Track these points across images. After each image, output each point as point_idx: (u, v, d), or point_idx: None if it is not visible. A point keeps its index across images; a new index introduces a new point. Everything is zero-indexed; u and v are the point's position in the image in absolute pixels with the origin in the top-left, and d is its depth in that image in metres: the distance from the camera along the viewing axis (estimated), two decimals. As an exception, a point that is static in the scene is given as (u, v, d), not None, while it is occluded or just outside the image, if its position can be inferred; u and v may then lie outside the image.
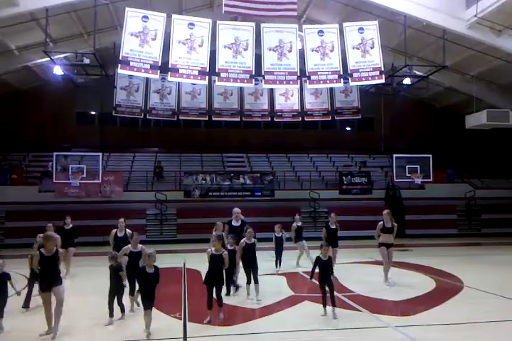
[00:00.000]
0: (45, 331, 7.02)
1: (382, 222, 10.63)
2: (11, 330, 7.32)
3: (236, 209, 10.73)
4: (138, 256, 8.25)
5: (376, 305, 8.59)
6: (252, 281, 9.05)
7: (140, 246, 8.44)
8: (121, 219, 10.34)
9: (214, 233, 9.68)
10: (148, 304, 6.97)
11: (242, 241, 9.17)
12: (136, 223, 20.76)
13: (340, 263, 14.04)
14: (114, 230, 10.24)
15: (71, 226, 12.37)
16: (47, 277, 6.96)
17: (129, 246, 8.43)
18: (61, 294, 6.96)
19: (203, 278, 7.92)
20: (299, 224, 13.54)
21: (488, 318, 7.64)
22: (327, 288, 7.89)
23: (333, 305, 7.85)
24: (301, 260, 13.22)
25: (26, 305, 8.57)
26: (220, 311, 7.75)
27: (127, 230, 10.00)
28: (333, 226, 11.81)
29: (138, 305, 8.19)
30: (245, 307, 8.48)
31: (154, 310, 7.88)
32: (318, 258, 8.03)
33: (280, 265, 12.55)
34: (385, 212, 10.74)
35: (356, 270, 11.99)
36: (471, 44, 18.72)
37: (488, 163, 25.90)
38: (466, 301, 8.76)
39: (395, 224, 10.70)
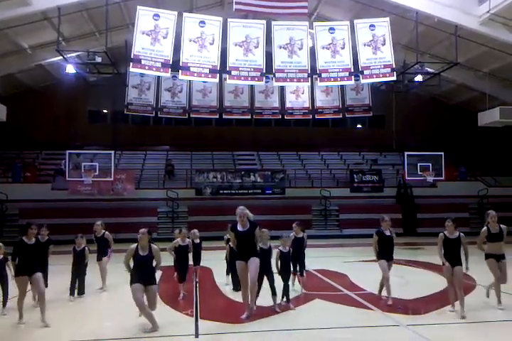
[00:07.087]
0: (100, 287, 9.74)
1: (486, 228, 8.20)
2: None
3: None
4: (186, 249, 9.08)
5: (388, 304, 8.55)
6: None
7: (188, 240, 9.17)
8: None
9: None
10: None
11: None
12: (147, 221, 21.09)
13: (352, 262, 14.08)
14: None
15: (47, 238, 9.33)
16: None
17: (179, 239, 9.06)
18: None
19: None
20: (300, 235, 9.37)
21: (501, 317, 7.59)
22: None
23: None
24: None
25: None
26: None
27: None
28: (389, 233, 8.77)
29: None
30: (256, 304, 8.49)
31: (166, 307, 8.01)
32: None
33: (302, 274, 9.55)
34: (492, 214, 8.18)
35: (368, 268, 11.89)
36: (483, 40, 18.55)
37: (501, 161, 25.68)
38: (479, 300, 8.68)
39: (505, 227, 8.23)
